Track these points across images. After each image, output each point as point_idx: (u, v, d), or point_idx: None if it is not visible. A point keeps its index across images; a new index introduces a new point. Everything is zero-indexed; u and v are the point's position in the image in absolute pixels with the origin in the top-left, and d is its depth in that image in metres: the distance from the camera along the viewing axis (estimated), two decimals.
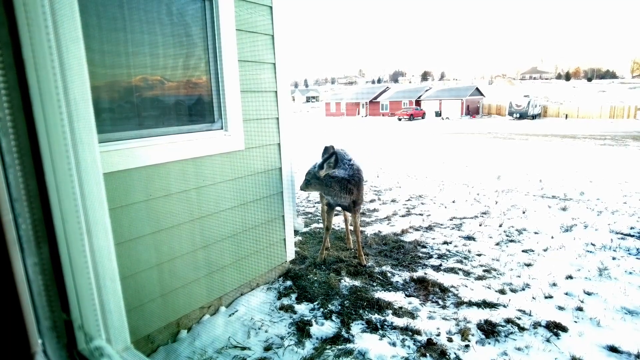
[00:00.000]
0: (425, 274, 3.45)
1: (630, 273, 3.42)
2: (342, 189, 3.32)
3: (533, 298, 3.02)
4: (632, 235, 4.37)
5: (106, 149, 2.08)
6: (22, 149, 0.64)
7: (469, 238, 4.42)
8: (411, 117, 42.29)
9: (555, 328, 2.60)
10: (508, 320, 2.71)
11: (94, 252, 0.82)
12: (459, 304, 2.96)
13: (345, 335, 2.57)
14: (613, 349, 2.39)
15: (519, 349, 2.42)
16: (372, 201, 6.28)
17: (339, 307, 2.91)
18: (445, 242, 4.29)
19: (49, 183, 0.68)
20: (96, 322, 0.77)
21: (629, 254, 3.87)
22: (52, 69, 0.69)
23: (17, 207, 0.63)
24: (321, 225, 4.84)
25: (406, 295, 3.12)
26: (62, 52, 0.69)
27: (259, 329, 2.67)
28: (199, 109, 2.72)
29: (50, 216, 0.68)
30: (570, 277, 3.36)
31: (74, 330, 0.72)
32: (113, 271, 0.80)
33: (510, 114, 39.54)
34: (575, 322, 2.70)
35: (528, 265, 3.64)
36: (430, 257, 3.90)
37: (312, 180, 3.37)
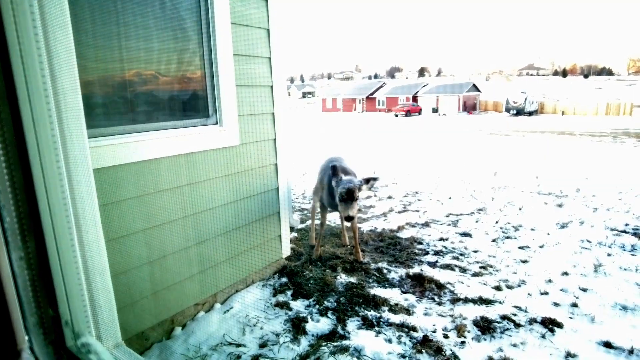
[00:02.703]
0: (421, 270, 3.45)
1: (625, 269, 3.43)
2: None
3: (529, 294, 3.03)
4: (627, 232, 4.38)
5: (99, 143, 2.05)
6: (7, 138, 0.61)
7: (465, 234, 4.42)
8: (408, 113, 42.26)
9: (551, 324, 2.61)
10: (504, 317, 2.71)
11: (83, 247, 0.80)
12: (455, 300, 2.96)
13: (341, 331, 2.56)
14: (607, 345, 2.39)
15: (514, 345, 2.42)
16: (368, 197, 6.27)
17: (335, 303, 2.90)
18: (441, 239, 4.28)
19: (35, 175, 0.66)
20: (86, 318, 0.75)
21: (624, 250, 3.89)
22: (39, 57, 0.66)
23: (1, 199, 0.61)
24: (318, 221, 4.82)
25: (402, 291, 3.11)
26: (49, 39, 0.67)
27: (254, 325, 2.65)
28: (193, 104, 2.69)
29: (36, 209, 0.66)
30: (565, 273, 3.37)
31: (62, 327, 0.70)
32: (103, 266, 0.78)
33: (507, 110, 39.56)
34: (571, 318, 2.70)
35: (524, 261, 3.65)
36: (427, 253, 3.89)
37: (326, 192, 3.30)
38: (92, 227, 0.80)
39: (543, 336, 2.49)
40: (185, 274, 2.63)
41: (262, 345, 2.43)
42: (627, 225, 4.60)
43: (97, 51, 2.13)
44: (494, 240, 4.21)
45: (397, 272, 3.43)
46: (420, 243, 4.17)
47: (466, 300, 2.95)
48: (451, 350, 2.37)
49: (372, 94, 52.59)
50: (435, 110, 45.35)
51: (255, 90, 3.01)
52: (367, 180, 3.22)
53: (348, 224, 4.11)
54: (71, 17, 0.84)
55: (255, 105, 3.02)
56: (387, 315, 2.74)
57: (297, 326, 2.61)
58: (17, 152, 0.62)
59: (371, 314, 2.75)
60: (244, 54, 2.85)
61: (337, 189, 3.14)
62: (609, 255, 3.76)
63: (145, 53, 2.38)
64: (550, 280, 3.23)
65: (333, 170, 3.31)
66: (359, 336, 2.50)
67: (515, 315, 2.73)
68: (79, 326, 0.72)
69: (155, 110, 2.52)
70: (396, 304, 2.89)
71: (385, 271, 3.45)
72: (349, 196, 3.07)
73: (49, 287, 0.68)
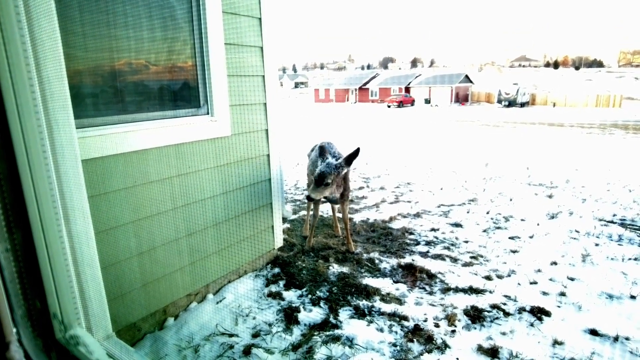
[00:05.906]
0: (412, 260, 3.48)
1: (612, 259, 3.49)
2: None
3: (518, 284, 3.07)
4: (615, 222, 4.45)
5: (87, 134, 2.02)
6: None
7: (457, 225, 4.46)
8: (400, 104, 42.18)
9: (539, 313, 2.65)
10: (494, 306, 2.75)
11: (72, 238, 0.79)
12: (445, 290, 2.99)
13: (333, 321, 2.58)
14: (593, 332, 2.45)
15: (503, 334, 2.46)
16: (360, 188, 6.28)
17: (327, 293, 2.92)
18: (432, 229, 4.32)
19: (20, 165, 0.64)
20: (75, 310, 0.75)
21: (611, 240, 3.95)
22: (23, 44, 0.65)
23: None
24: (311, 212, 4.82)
25: (394, 281, 3.14)
26: (33, 26, 0.65)
27: (247, 315, 2.66)
28: (184, 94, 2.66)
29: (22, 200, 0.65)
30: (554, 263, 3.42)
31: (50, 319, 0.69)
32: (92, 258, 0.77)
33: (499, 101, 39.64)
34: (559, 307, 2.75)
35: (514, 251, 3.69)
36: (418, 243, 3.92)
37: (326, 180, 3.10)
38: (80, 218, 0.79)
39: (532, 324, 2.54)
40: (176, 265, 2.62)
41: (255, 335, 2.45)
42: (614, 215, 4.68)
43: (85, 40, 2.09)
44: (484, 231, 4.25)
45: (388, 262, 3.45)
46: (412, 233, 4.19)
47: (457, 290, 2.98)
48: (442, 339, 2.40)
49: (364, 84, 52.37)
50: (427, 101, 45.31)
51: (247, 80, 2.98)
52: (349, 161, 3.08)
53: (339, 215, 4.12)
54: (57, 5, 0.82)
55: (247, 96, 2.99)
56: (378, 304, 2.76)
57: (289, 316, 2.62)
58: (1, 142, 0.61)
59: (363, 303, 2.77)
60: (235, 43, 2.82)
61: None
62: (596, 245, 3.82)
63: (135, 42, 2.34)
64: (539, 270, 3.28)
65: (320, 150, 3.29)
66: (351, 325, 2.52)
67: (504, 304, 2.77)
68: (68, 318, 0.71)
69: (145, 100, 2.48)
70: (388, 294, 2.92)
71: (377, 261, 3.47)
72: (320, 179, 3.06)
73: (36, 279, 0.68)
